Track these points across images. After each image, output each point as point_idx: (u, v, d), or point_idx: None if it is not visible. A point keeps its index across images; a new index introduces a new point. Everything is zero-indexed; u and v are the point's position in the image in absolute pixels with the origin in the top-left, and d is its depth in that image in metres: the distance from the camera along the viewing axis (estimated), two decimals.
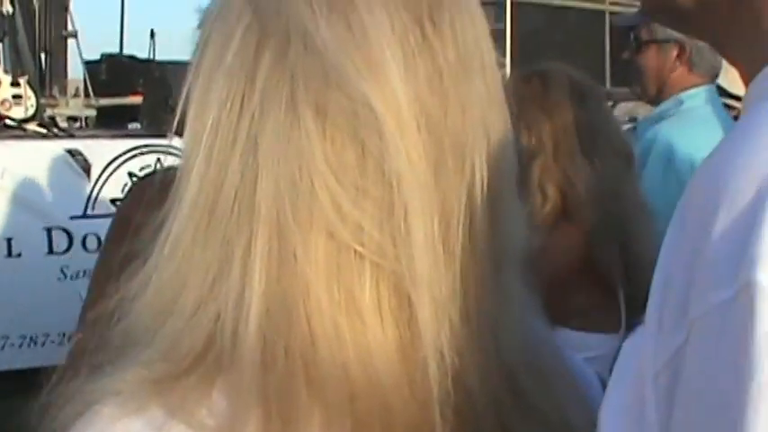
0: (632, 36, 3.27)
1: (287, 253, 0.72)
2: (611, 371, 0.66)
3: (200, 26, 0.82)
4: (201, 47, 0.79)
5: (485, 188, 0.76)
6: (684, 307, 0.57)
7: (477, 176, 0.76)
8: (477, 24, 0.80)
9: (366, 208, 0.72)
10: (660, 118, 3.15)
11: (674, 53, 3.18)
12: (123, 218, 1.64)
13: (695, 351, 0.56)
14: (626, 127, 3.55)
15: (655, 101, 3.28)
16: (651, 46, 3.20)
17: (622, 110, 6.99)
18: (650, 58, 3.23)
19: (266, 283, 0.72)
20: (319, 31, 0.72)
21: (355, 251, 0.72)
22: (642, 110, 5.44)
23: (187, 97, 0.78)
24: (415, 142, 0.72)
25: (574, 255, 2.00)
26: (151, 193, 1.34)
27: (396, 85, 0.72)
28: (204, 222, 0.75)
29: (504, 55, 8.60)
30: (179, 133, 0.81)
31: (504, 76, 0.86)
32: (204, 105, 0.76)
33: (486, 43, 0.80)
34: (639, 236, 2.04)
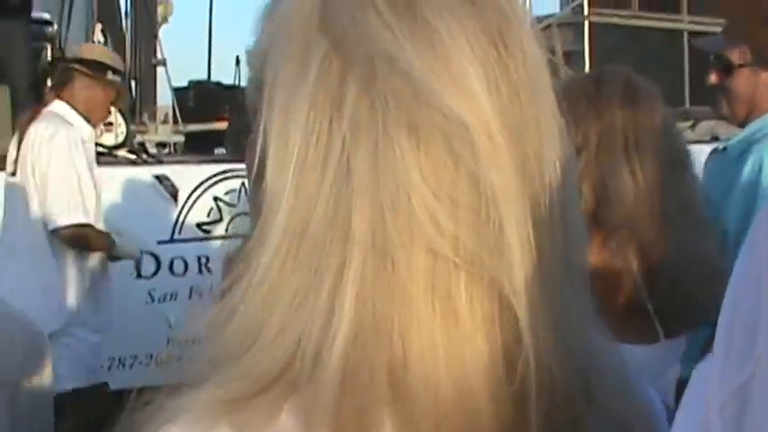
0: (720, 58, 3.19)
1: (385, 272, 0.73)
2: (683, 395, 0.65)
3: (253, 64, 0.83)
4: (270, 83, 0.79)
5: (559, 198, 0.78)
6: (752, 336, 0.55)
7: (554, 186, 0.78)
8: (536, 43, 0.82)
9: (462, 220, 0.73)
10: (755, 138, 3.08)
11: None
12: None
13: (761, 386, 0.55)
14: (710, 146, 3.47)
15: (743, 123, 3.20)
16: (743, 70, 3.13)
17: (703, 128, 6.88)
18: (742, 82, 3.14)
19: (356, 307, 0.72)
20: (404, 54, 0.74)
21: (454, 263, 0.73)
22: (723, 129, 5.34)
23: (265, 133, 0.79)
24: (504, 154, 0.74)
25: (596, 258, 1.95)
26: None
27: (482, 100, 0.74)
28: (293, 251, 0.75)
29: None
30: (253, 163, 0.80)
31: None
32: (286, 138, 0.77)
33: (545, 60, 0.82)
34: (673, 247, 1.98)
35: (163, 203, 5.64)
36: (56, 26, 8.05)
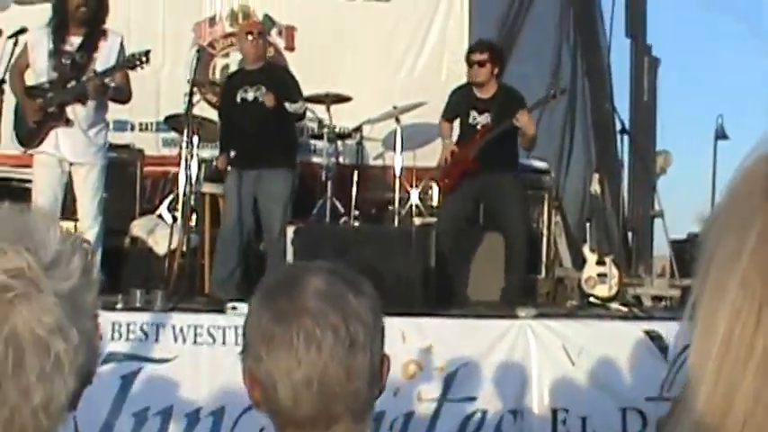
0: None
1: None
2: None
3: (701, 228, 0.83)
4: (709, 251, 0.78)
5: None
6: None
7: None
8: None
9: None
10: None
11: None
12: None
13: None
14: None
15: None
16: None
17: None
18: None
19: None
20: None
21: None
22: None
23: (695, 304, 0.78)
24: None
25: None
26: None
27: None
28: None
29: None
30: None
31: None
32: (714, 315, 0.74)
33: None
34: None
35: (652, 360, 5.70)
36: (553, 175, 8.54)
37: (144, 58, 6.30)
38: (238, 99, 7.46)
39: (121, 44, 6.55)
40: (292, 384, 1.56)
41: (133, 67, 6.38)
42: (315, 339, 1.55)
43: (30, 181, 6.72)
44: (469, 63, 7.33)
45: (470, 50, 7.44)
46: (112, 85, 6.43)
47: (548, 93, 7.32)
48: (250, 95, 7.41)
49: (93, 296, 1.11)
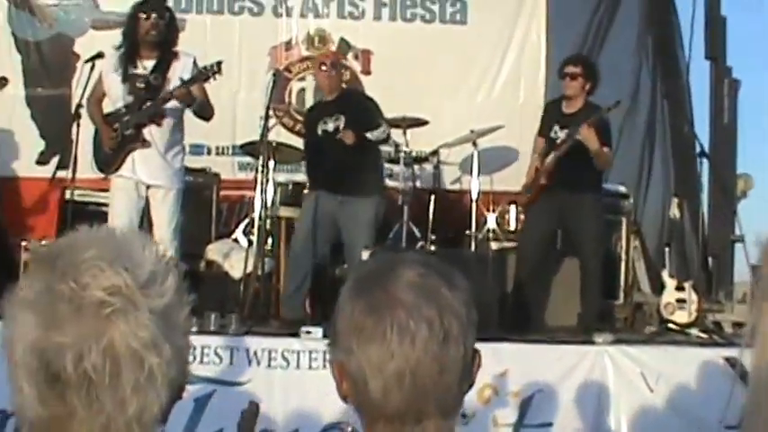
0: None
1: None
2: None
3: (761, 256, 0.88)
4: (766, 276, 0.86)
5: None
6: None
7: None
8: None
9: None
10: None
11: None
12: None
13: None
14: None
15: None
16: None
17: None
18: None
19: None
20: None
21: None
22: None
23: (752, 330, 0.87)
24: None
25: None
26: None
27: None
28: None
29: None
30: None
31: None
32: None
33: None
34: None
35: (732, 387, 5.66)
36: (632, 199, 8.51)
37: (216, 68, 6.39)
38: (319, 131, 7.54)
39: (194, 63, 6.64)
40: (384, 378, 1.54)
41: (206, 79, 6.46)
42: (408, 332, 1.53)
43: (106, 204, 6.88)
44: (562, 75, 7.35)
45: (564, 63, 7.44)
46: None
47: (604, 106, 7.27)
48: (330, 126, 7.48)
49: (186, 314, 1.20)
